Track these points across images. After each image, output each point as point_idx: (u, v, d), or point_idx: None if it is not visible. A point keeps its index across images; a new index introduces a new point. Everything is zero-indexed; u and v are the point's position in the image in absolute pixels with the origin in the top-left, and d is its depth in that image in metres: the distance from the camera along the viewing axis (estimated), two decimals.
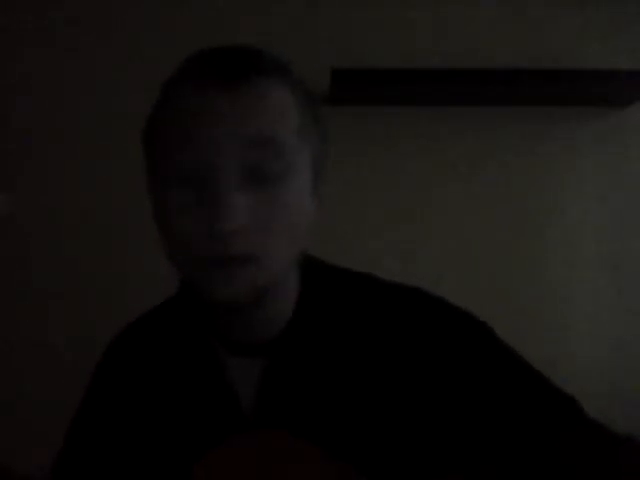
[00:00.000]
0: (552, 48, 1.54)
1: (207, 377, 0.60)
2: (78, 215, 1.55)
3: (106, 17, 1.56)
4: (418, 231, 1.55)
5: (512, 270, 1.55)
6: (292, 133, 0.53)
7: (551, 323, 1.54)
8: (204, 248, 0.50)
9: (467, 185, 1.55)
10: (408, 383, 0.56)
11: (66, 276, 1.55)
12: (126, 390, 0.64)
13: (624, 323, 1.54)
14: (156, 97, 0.57)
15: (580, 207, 1.55)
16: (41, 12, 1.56)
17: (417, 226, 1.55)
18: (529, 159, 1.55)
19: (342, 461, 0.54)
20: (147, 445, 0.61)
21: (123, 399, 0.64)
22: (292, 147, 0.52)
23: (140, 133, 0.59)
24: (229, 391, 0.59)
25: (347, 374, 0.57)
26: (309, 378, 0.57)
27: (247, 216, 0.50)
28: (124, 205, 1.50)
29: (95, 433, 0.65)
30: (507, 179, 1.55)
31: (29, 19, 1.56)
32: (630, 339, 1.54)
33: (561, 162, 1.55)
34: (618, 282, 1.54)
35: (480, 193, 1.55)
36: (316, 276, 0.62)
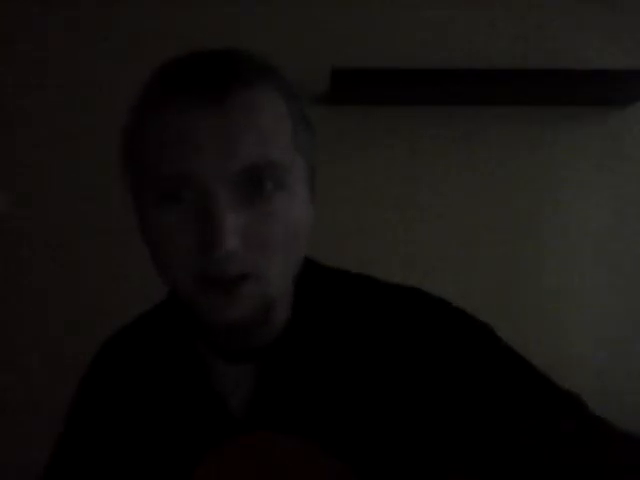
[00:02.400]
0: (552, 48, 1.54)
1: (195, 383, 0.59)
2: (78, 215, 1.55)
3: (106, 17, 1.56)
4: (418, 231, 1.55)
5: (512, 270, 1.55)
6: (286, 145, 0.50)
7: (551, 323, 1.54)
8: (199, 271, 0.48)
9: (467, 185, 1.55)
10: (407, 384, 0.55)
11: (66, 276, 1.55)
12: (115, 399, 0.63)
13: (624, 323, 1.54)
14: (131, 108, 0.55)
15: (580, 207, 1.55)
16: (41, 12, 1.56)
17: (417, 226, 1.55)
18: (529, 159, 1.55)
19: (341, 462, 0.54)
20: (139, 453, 0.61)
21: (112, 408, 0.63)
22: (287, 161, 0.50)
23: (119, 149, 0.56)
24: (217, 397, 0.58)
25: (345, 377, 0.56)
26: (305, 381, 0.57)
27: (241, 236, 0.47)
28: (124, 205, 1.50)
29: (85, 443, 0.64)
30: (507, 179, 1.55)
31: (29, 19, 1.56)
32: (630, 339, 1.54)
33: (561, 162, 1.55)
34: (618, 282, 1.54)
35: (480, 193, 1.55)
36: (311, 278, 0.61)
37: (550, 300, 1.54)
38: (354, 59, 1.52)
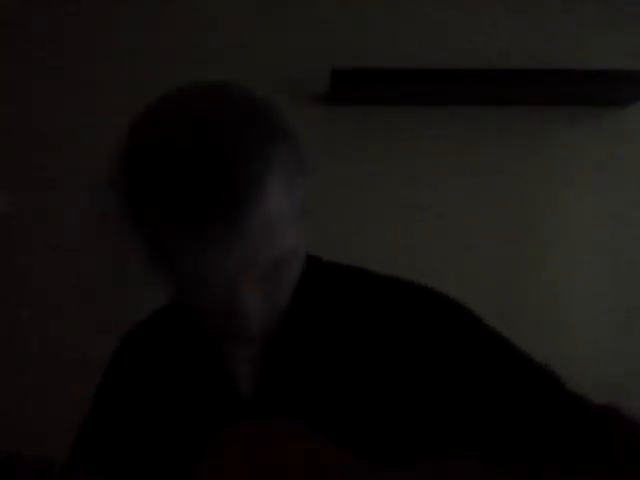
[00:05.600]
0: (552, 48, 1.54)
1: (207, 367, 0.63)
2: (78, 215, 1.54)
3: (106, 17, 1.56)
4: (418, 230, 1.55)
5: (512, 270, 1.55)
6: (292, 234, 0.51)
7: (551, 323, 1.54)
8: (218, 324, 0.55)
9: (467, 185, 1.55)
10: (402, 367, 0.59)
11: (66, 276, 1.55)
12: (136, 385, 0.67)
13: (624, 323, 1.54)
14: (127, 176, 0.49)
15: (580, 207, 1.55)
16: (41, 12, 1.56)
17: (417, 225, 1.55)
18: (529, 159, 1.55)
19: (342, 445, 0.56)
20: (153, 436, 0.63)
21: (133, 394, 0.66)
22: (289, 238, 0.51)
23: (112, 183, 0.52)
24: (228, 379, 0.62)
25: (344, 361, 0.60)
26: (308, 365, 0.60)
27: (260, 308, 0.53)
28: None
29: (108, 423, 0.68)
30: (507, 179, 1.55)
31: (29, 19, 1.57)
32: (630, 339, 1.54)
33: (561, 162, 1.55)
34: (618, 282, 1.54)
35: (480, 193, 1.55)
36: (312, 270, 0.64)
37: (550, 300, 1.54)
38: (354, 59, 1.52)
